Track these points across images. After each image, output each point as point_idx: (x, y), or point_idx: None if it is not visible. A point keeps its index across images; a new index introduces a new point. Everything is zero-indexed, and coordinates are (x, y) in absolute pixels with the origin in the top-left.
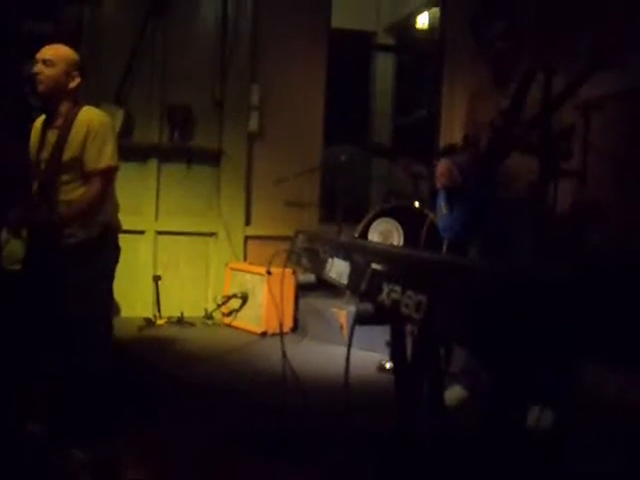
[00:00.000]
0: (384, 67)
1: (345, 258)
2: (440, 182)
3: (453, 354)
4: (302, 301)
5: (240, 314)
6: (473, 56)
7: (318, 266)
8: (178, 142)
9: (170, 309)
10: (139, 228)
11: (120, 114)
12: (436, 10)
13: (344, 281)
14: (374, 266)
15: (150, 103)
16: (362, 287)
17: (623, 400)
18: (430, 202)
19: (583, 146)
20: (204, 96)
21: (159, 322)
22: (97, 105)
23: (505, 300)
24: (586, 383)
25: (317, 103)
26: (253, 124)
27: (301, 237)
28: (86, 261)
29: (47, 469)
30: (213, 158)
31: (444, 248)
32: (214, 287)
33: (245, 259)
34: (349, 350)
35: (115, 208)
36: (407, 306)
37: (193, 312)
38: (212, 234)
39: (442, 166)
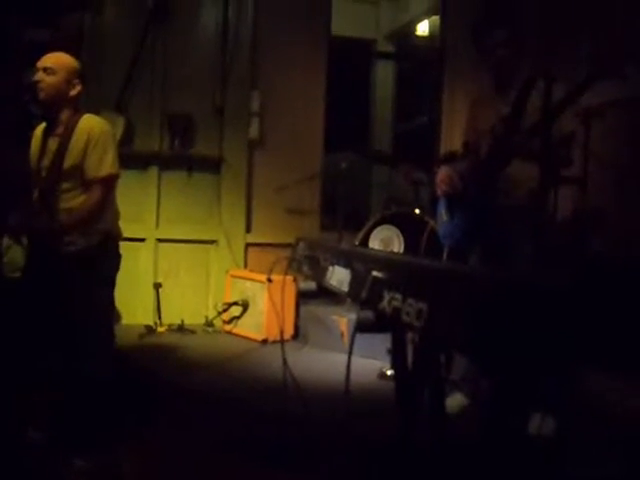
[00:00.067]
0: (384, 74)
1: (346, 266)
2: (441, 189)
3: (454, 361)
4: (303, 309)
5: (241, 321)
6: (474, 63)
7: (319, 274)
8: (179, 150)
9: (171, 316)
10: (140, 236)
11: (121, 122)
12: (436, 18)
13: (345, 289)
14: (375, 274)
15: (151, 111)
16: (363, 295)
17: (624, 407)
18: (430, 209)
19: (584, 153)
20: (204, 103)
21: (160, 329)
22: (98, 113)
23: (506, 307)
24: (588, 390)
25: (317, 110)
26: (254, 131)
27: (302, 245)
28: (86, 269)
29: (47, 476)
30: (213, 165)
31: (445, 255)
32: (215, 294)
33: (246, 266)
34: (350, 358)
35: (116, 216)
36: (408, 314)
37: (194, 319)
38: (213, 241)
39: (443, 173)
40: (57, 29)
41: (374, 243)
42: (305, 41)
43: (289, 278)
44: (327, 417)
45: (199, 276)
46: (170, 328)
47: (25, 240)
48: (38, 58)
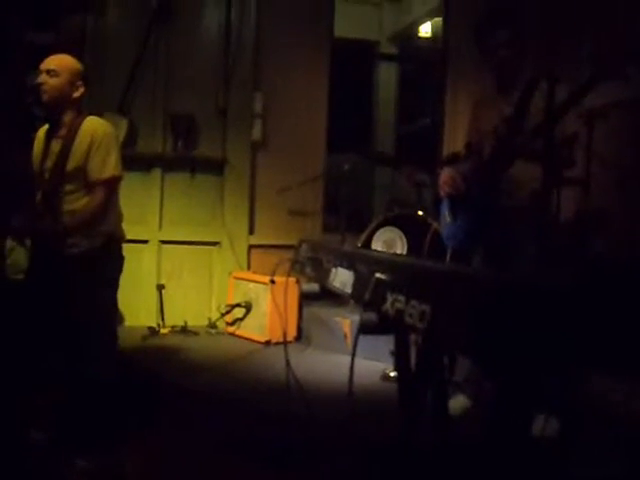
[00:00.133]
0: (387, 76)
1: (349, 267)
2: (443, 190)
3: (457, 363)
4: (306, 310)
5: (244, 323)
6: (476, 64)
7: (322, 275)
8: (182, 151)
9: (174, 318)
10: (143, 237)
11: (124, 124)
12: (439, 19)
13: (348, 290)
14: (378, 275)
15: (154, 112)
16: (366, 296)
17: (628, 408)
18: (433, 210)
19: (586, 154)
20: (207, 105)
21: (163, 331)
22: (100, 115)
23: (509, 309)
24: (592, 392)
25: (320, 112)
26: (256, 132)
27: (305, 246)
28: (90, 271)
29: (49, 477)
30: (217, 167)
31: (448, 257)
32: (218, 296)
33: (249, 268)
34: (353, 359)
35: (119, 218)
36: (411, 315)
37: (197, 321)
38: (216, 243)
39: (445, 174)
40: (59, 31)
41: (377, 245)
42: (308, 43)
43: (292, 280)
44: (330, 418)
45: (202, 278)
46: (173, 330)
47: (28, 242)
48: (41, 60)
